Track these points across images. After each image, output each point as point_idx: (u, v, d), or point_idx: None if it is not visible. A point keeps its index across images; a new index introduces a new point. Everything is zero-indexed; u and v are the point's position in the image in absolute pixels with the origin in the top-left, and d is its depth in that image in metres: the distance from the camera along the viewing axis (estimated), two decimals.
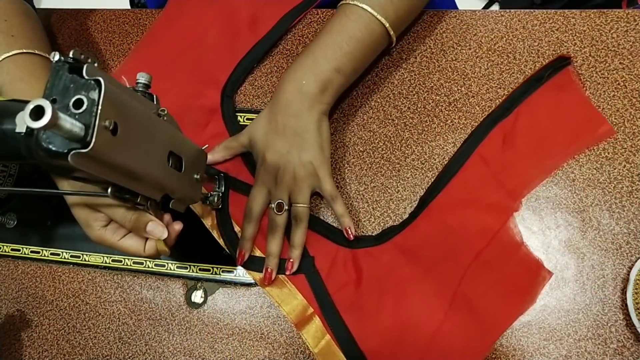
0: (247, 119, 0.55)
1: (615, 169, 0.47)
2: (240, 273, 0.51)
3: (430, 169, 0.50)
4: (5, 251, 0.56)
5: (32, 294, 0.55)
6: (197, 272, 0.52)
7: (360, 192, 0.51)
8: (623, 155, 0.48)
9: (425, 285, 0.47)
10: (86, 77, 0.29)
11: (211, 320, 0.51)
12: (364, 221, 0.50)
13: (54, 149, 0.28)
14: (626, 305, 0.43)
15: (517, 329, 0.45)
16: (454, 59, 0.53)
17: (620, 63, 0.50)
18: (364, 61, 0.49)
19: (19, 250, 0.56)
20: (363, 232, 0.50)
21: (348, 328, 0.47)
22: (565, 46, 0.51)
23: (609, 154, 0.48)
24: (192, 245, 0.52)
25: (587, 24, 0.51)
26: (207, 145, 0.53)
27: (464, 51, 0.53)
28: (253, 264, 0.50)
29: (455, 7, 0.76)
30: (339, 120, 0.54)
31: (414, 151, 0.51)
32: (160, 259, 0.52)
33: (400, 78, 0.54)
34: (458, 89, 0.52)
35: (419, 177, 0.50)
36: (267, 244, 0.49)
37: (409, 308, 0.46)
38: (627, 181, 0.47)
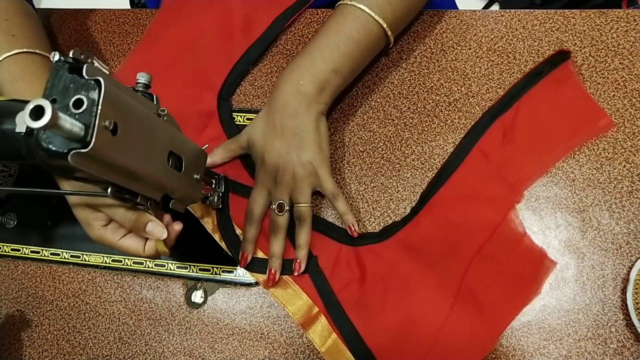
0: (247, 118, 0.55)
1: (615, 169, 0.47)
2: (240, 273, 0.51)
3: (430, 169, 0.50)
4: (5, 251, 0.56)
5: (32, 294, 0.55)
6: (197, 272, 0.52)
7: (361, 192, 0.51)
8: (623, 155, 0.48)
9: (430, 281, 0.47)
10: (86, 77, 0.29)
11: (211, 320, 0.51)
12: (364, 221, 0.50)
13: (54, 149, 0.28)
14: (626, 305, 0.43)
15: (517, 329, 0.45)
16: (454, 59, 0.53)
17: (620, 63, 0.50)
18: (361, 62, 0.49)
19: (19, 250, 0.56)
20: (363, 231, 0.50)
21: (354, 326, 0.47)
22: (565, 46, 0.51)
23: (609, 154, 0.48)
24: (192, 245, 0.52)
25: (587, 24, 0.51)
26: (207, 145, 0.53)
27: (464, 51, 0.53)
28: (256, 265, 0.50)
29: (455, 7, 0.76)
30: (339, 120, 0.54)
31: (414, 151, 0.51)
32: (160, 259, 0.52)
33: (400, 78, 0.54)
34: (458, 89, 0.52)
35: (419, 177, 0.50)
36: (269, 245, 0.49)
37: (414, 304, 0.46)
38: (627, 181, 0.47)
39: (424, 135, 0.51)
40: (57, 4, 0.73)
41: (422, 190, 0.50)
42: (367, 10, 0.46)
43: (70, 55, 0.30)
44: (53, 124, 0.25)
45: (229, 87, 0.56)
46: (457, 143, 0.50)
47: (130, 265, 0.53)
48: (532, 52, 0.52)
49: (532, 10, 0.53)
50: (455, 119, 0.51)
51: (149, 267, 0.53)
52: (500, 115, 0.49)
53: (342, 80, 0.48)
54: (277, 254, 0.48)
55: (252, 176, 0.52)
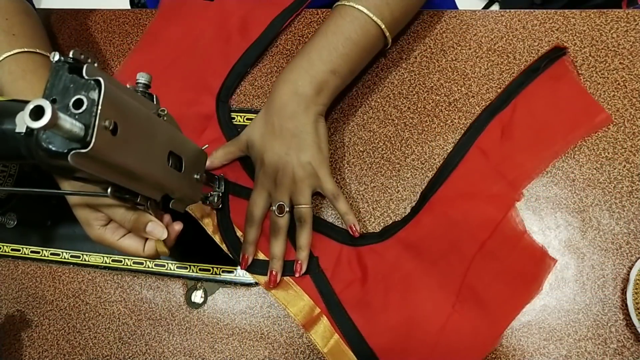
0: (247, 119, 0.55)
1: (615, 169, 0.47)
2: (240, 273, 0.51)
3: (430, 169, 0.50)
4: (5, 251, 0.56)
5: (32, 294, 0.55)
6: (197, 272, 0.52)
7: (361, 192, 0.51)
8: (623, 155, 0.48)
9: (431, 279, 0.47)
10: (86, 77, 0.29)
11: (211, 320, 0.51)
12: (365, 221, 0.50)
13: (54, 149, 0.28)
14: (626, 305, 0.43)
15: (517, 329, 0.45)
16: (454, 59, 0.53)
17: (620, 63, 0.50)
18: (359, 62, 0.49)
19: (19, 250, 0.56)
20: (363, 231, 0.50)
21: (356, 326, 0.47)
22: (567, 48, 0.51)
23: (609, 154, 0.48)
24: (192, 245, 0.52)
25: (587, 24, 0.51)
26: (207, 146, 0.53)
27: (464, 51, 0.53)
28: (257, 267, 0.50)
29: (455, 7, 0.76)
30: (339, 120, 0.54)
31: (414, 151, 0.51)
32: (160, 259, 0.52)
33: (400, 78, 0.54)
34: (458, 89, 0.52)
35: (419, 177, 0.50)
36: (270, 246, 0.48)
37: (416, 303, 0.46)
38: (627, 181, 0.47)
39: (424, 135, 0.51)
40: (57, 4, 0.73)
41: (422, 190, 0.50)
42: (365, 11, 0.46)
43: (70, 55, 0.30)
44: (53, 124, 0.25)
45: (227, 90, 0.56)
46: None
47: (130, 265, 0.53)
48: (532, 52, 0.52)
49: (532, 10, 0.53)
50: (455, 119, 0.51)
51: (149, 267, 0.53)
52: (498, 112, 0.50)
53: (340, 81, 0.48)
54: (278, 256, 0.48)
55: (251, 178, 0.52)
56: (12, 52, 0.48)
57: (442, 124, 0.51)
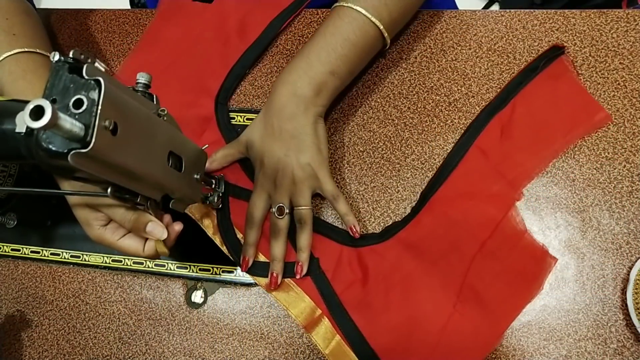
0: (247, 119, 0.55)
1: (615, 169, 0.47)
2: (240, 273, 0.51)
3: (431, 169, 0.50)
4: (5, 251, 0.56)
5: (32, 294, 0.55)
6: (197, 272, 0.52)
7: (361, 192, 0.51)
8: (623, 155, 0.48)
9: (432, 280, 0.47)
10: (86, 77, 0.29)
11: (211, 320, 0.51)
12: (365, 221, 0.50)
13: (54, 149, 0.28)
14: (626, 305, 0.43)
15: (517, 329, 0.45)
16: (454, 59, 0.53)
17: (620, 63, 0.50)
18: (358, 63, 0.49)
19: (19, 250, 0.56)
20: (364, 232, 0.50)
21: (357, 327, 0.47)
22: (566, 47, 0.51)
23: (609, 154, 0.48)
24: (192, 245, 0.52)
25: (587, 24, 0.51)
26: (207, 146, 0.53)
27: (464, 51, 0.53)
28: (257, 269, 0.50)
29: (455, 7, 0.76)
30: (339, 120, 0.54)
31: (414, 151, 0.51)
32: (160, 259, 0.52)
33: (400, 78, 0.54)
34: (458, 89, 0.52)
35: (419, 177, 0.50)
36: (270, 248, 0.48)
37: (417, 303, 0.46)
38: (627, 181, 0.47)
39: (424, 135, 0.51)
40: (57, 4, 0.73)
41: (422, 190, 0.50)
42: (363, 12, 0.46)
43: (70, 55, 0.30)
44: (53, 124, 0.25)
45: (226, 91, 0.56)
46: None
47: (130, 265, 0.53)
48: (532, 52, 0.52)
49: (532, 10, 0.53)
50: (455, 119, 0.51)
51: (149, 267, 0.53)
52: (497, 112, 0.50)
53: (339, 82, 0.48)
54: (279, 257, 0.48)
55: (251, 180, 0.52)
56: (12, 52, 0.48)
57: (442, 124, 0.51)
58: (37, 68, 0.49)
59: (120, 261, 0.54)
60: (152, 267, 0.53)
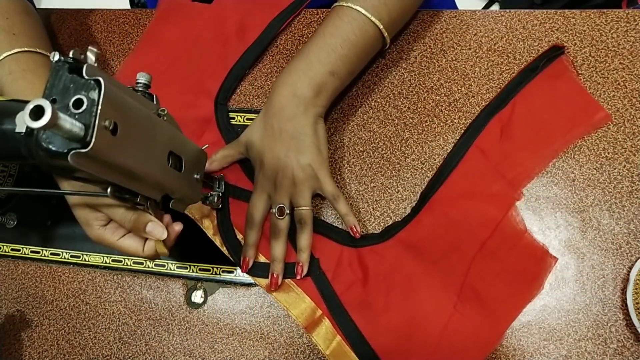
0: (247, 119, 0.55)
1: (615, 169, 0.47)
2: (240, 273, 0.51)
3: (431, 169, 0.50)
4: (5, 251, 0.56)
5: (32, 294, 0.55)
6: (197, 272, 0.52)
7: (361, 192, 0.51)
8: (623, 155, 0.48)
9: (432, 280, 0.47)
10: (86, 77, 0.29)
11: (211, 320, 0.51)
12: (365, 221, 0.50)
13: (54, 149, 0.28)
14: (626, 305, 0.43)
15: (517, 329, 0.45)
16: (454, 59, 0.53)
17: (620, 63, 0.50)
18: (358, 64, 0.49)
19: (19, 250, 0.56)
20: (363, 231, 0.50)
21: (358, 327, 0.47)
22: (565, 46, 0.51)
23: (609, 154, 0.48)
24: (192, 245, 0.52)
25: (587, 24, 0.51)
26: (207, 146, 0.53)
27: (464, 51, 0.53)
28: (258, 270, 0.49)
29: (455, 7, 0.76)
30: (339, 120, 0.54)
31: (414, 151, 0.51)
32: (160, 259, 0.52)
33: (400, 78, 0.54)
34: (458, 89, 0.52)
35: (419, 177, 0.50)
36: (270, 249, 0.48)
37: (418, 303, 0.46)
38: (627, 181, 0.47)
39: (424, 135, 0.51)
40: (57, 4, 0.73)
41: (422, 190, 0.50)
42: (363, 11, 0.46)
43: (70, 55, 0.30)
44: (53, 124, 0.25)
45: (225, 92, 0.56)
46: None
47: (130, 265, 0.53)
48: (532, 52, 0.51)
49: (532, 10, 0.53)
50: (455, 119, 0.51)
51: (149, 267, 0.53)
52: (497, 112, 0.50)
53: (339, 83, 0.48)
54: (279, 258, 0.48)
55: (251, 180, 0.52)
56: (12, 52, 0.48)
57: (442, 124, 0.51)
58: (37, 68, 0.49)
59: (120, 261, 0.54)
60: (152, 267, 0.53)
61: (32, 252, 0.56)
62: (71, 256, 0.55)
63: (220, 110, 0.55)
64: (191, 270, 0.52)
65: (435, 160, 0.51)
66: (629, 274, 0.44)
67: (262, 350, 0.49)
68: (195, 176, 0.42)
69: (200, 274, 0.52)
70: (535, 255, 0.46)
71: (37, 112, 0.24)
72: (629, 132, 0.48)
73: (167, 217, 0.43)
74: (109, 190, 0.34)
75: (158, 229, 0.40)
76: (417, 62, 0.54)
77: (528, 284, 0.45)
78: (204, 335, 0.50)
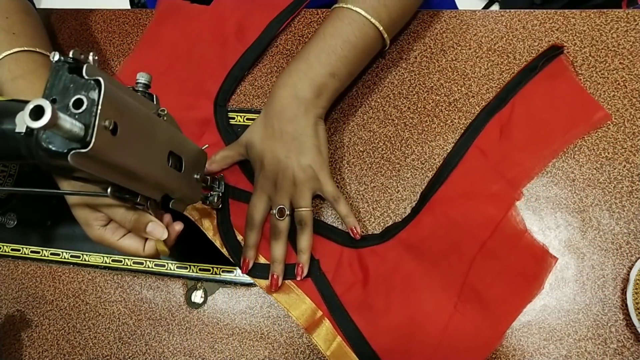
0: (247, 119, 0.55)
1: (615, 169, 0.47)
2: (240, 273, 0.51)
3: (431, 169, 0.50)
4: (5, 251, 0.56)
5: (32, 294, 0.55)
6: (197, 272, 0.52)
7: (361, 192, 0.51)
8: (623, 155, 0.48)
9: (433, 280, 0.47)
10: (86, 77, 0.29)
11: (211, 320, 0.51)
12: (365, 221, 0.50)
13: (54, 149, 0.28)
14: (626, 305, 0.43)
15: (517, 329, 0.45)
16: (454, 59, 0.53)
17: (620, 63, 0.50)
18: (358, 65, 0.49)
19: (19, 250, 0.56)
20: (364, 232, 0.50)
21: (358, 328, 0.47)
22: (565, 46, 0.51)
23: (609, 154, 0.48)
24: (192, 245, 0.52)
25: (587, 24, 0.51)
26: (207, 146, 0.53)
27: (464, 51, 0.53)
28: (258, 271, 0.49)
29: (455, 7, 0.76)
30: (339, 120, 0.54)
31: (414, 151, 0.51)
32: (160, 259, 0.52)
33: (400, 78, 0.54)
34: (458, 89, 0.52)
35: (419, 177, 0.50)
36: (271, 250, 0.48)
37: (418, 304, 0.46)
38: (627, 181, 0.47)
39: (424, 135, 0.51)
40: (57, 4, 0.73)
41: (422, 190, 0.50)
42: (363, 13, 0.46)
43: (70, 55, 0.30)
44: (53, 124, 0.25)
45: (225, 94, 0.56)
46: None
47: (130, 265, 0.53)
48: (532, 52, 0.51)
49: (532, 10, 0.53)
50: (455, 119, 0.51)
51: (149, 267, 0.53)
52: (497, 112, 0.50)
53: (339, 84, 0.48)
54: (279, 259, 0.48)
55: (251, 182, 0.52)
56: (12, 51, 0.48)
57: (442, 124, 0.51)
58: (37, 67, 0.49)
59: (120, 261, 0.54)
60: (152, 267, 0.53)
61: (32, 252, 0.56)
62: (71, 256, 0.55)
63: (220, 112, 0.55)
64: (191, 270, 0.52)
65: (435, 160, 0.51)
66: (629, 274, 0.44)
67: (262, 350, 0.49)
68: (195, 176, 0.42)
69: (200, 274, 0.52)
70: (536, 255, 0.46)
71: (37, 112, 0.24)
72: (629, 132, 0.48)
73: (167, 217, 0.43)
74: (109, 190, 0.34)
75: (158, 229, 0.40)
76: (417, 62, 0.54)
77: (528, 284, 0.45)
78: (204, 335, 0.50)
